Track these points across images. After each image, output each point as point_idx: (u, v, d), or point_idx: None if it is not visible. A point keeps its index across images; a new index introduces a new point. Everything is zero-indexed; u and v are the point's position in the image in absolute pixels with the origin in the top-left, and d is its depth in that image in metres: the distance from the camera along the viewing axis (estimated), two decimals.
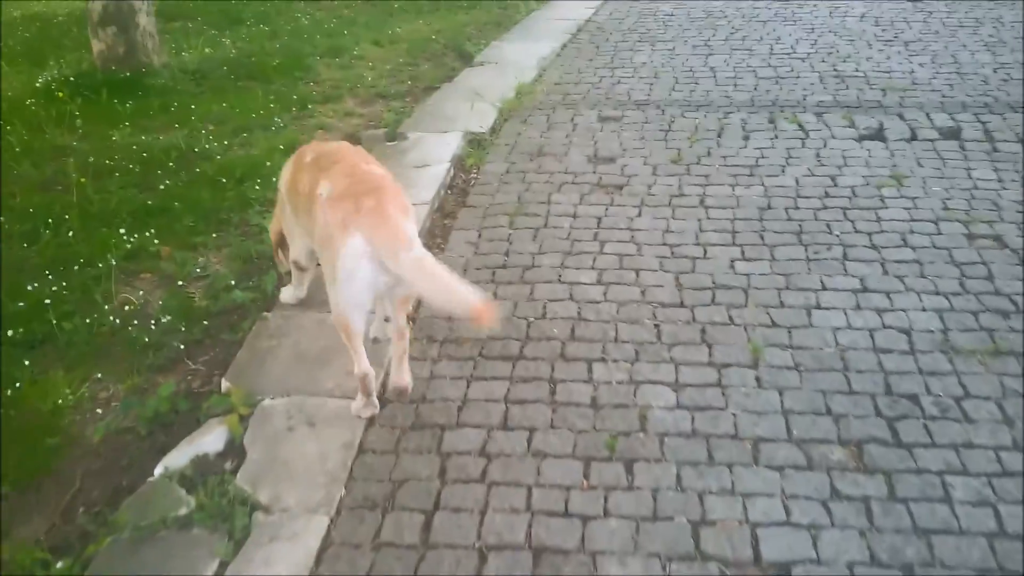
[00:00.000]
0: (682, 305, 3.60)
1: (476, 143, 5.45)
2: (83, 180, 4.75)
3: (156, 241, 4.20)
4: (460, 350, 3.36)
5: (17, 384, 3.19)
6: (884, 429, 2.87)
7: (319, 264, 3.15)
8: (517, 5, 9.39)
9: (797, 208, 4.39)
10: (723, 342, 3.35)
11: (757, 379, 3.13)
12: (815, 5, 8.58)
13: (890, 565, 2.38)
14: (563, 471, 2.73)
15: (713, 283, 3.75)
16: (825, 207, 4.38)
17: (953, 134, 5.22)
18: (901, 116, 5.52)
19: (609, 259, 3.98)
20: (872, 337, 3.34)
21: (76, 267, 3.95)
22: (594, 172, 4.94)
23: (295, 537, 2.49)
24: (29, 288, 3.77)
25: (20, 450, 2.88)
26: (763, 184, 4.67)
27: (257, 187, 4.74)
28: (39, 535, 2.56)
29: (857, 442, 2.82)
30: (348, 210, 2.69)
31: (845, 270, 3.81)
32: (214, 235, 4.32)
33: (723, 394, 3.06)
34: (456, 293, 2.65)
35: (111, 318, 3.59)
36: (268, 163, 4.98)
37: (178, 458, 2.79)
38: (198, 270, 3.99)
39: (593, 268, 3.90)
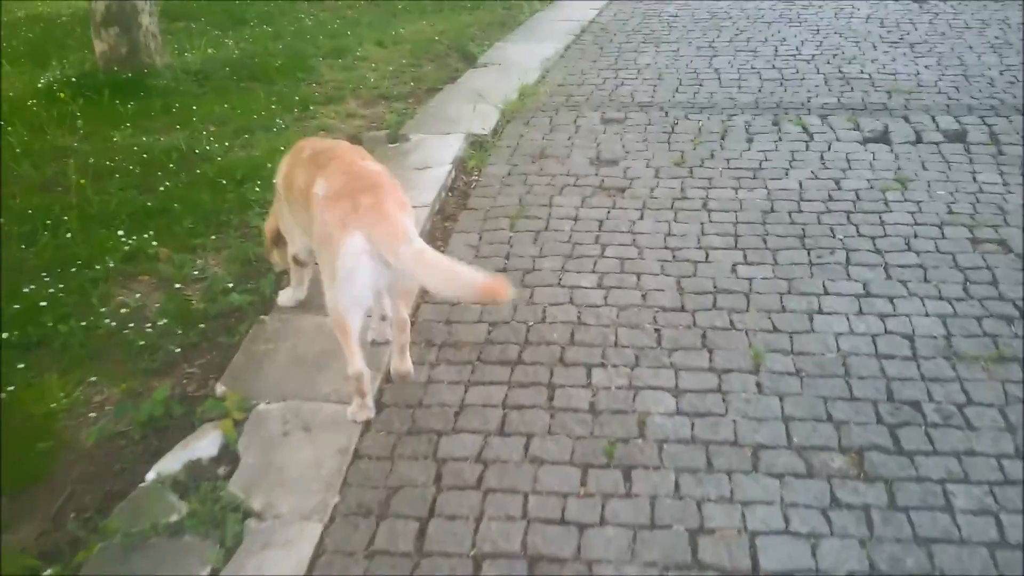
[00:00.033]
0: (683, 309, 3.57)
1: (478, 145, 5.42)
2: (83, 181, 4.73)
3: (155, 243, 4.18)
4: (458, 354, 3.33)
5: (11, 387, 3.17)
6: (885, 436, 2.83)
7: (317, 263, 3.13)
8: (521, 6, 9.36)
9: (800, 212, 4.35)
10: (724, 347, 3.32)
11: (758, 385, 3.10)
12: (820, 6, 8.54)
13: (890, 575, 2.34)
14: (560, 478, 2.70)
15: (715, 287, 3.72)
16: (829, 211, 4.35)
17: (958, 137, 5.17)
18: (906, 119, 5.48)
19: (610, 263, 3.94)
20: (874, 343, 3.31)
21: (74, 269, 3.93)
22: (596, 174, 4.90)
23: (288, 544, 2.46)
24: (26, 290, 3.75)
25: (12, 455, 2.86)
26: (766, 187, 4.64)
27: (257, 189, 4.72)
28: (29, 541, 2.54)
29: (858, 449, 2.78)
30: (346, 208, 2.69)
31: (848, 275, 3.77)
32: (213, 237, 4.31)
33: (723, 400, 3.03)
34: (461, 278, 2.65)
35: (107, 321, 3.57)
36: (269, 165, 4.93)
37: (171, 463, 2.76)
38: (196, 272, 3.97)
39: (594, 272, 3.87)
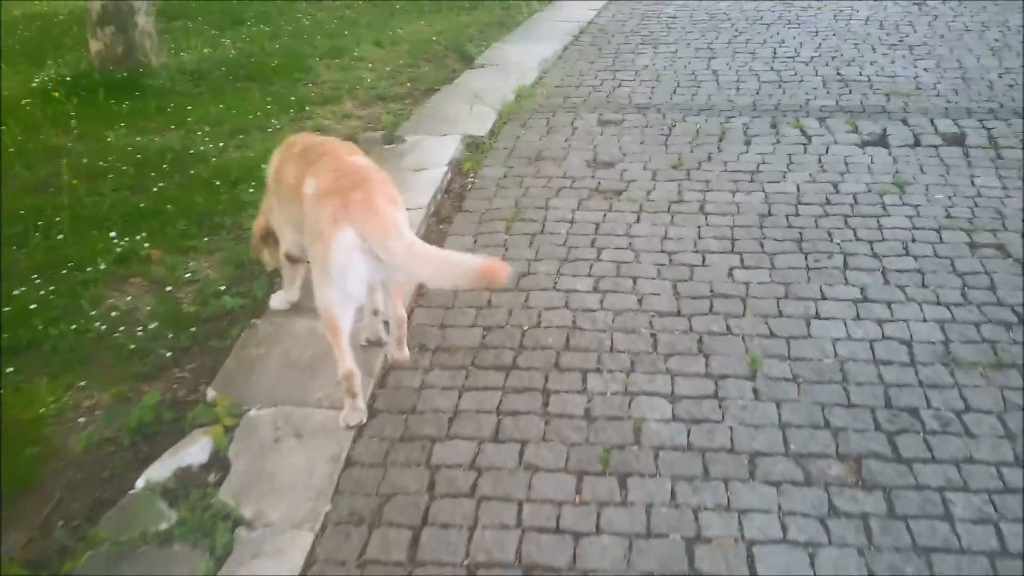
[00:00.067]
0: (679, 314, 3.54)
1: (474, 146, 5.39)
2: (75, 182, 4.70)
3: (147, 245, 4.15)
4: (452, 359, 3.30)
5: (0, 392, 3.13)
6: (884, 443, 2.80)
7: (310, 261, 3.10)
8: (519, 6, 9.32)
9: (798, 215, 4.32)
10: (720, 352, 3.29)
11: (754, 391, 3.07)
12: (819, 8, 8.50)
13: None
14: (555, 485, 2.67)
15: (711, 291, 3.69)
16: (826, 214, 4.31)
17: (957, 140, 5.15)
18: (905, 121, 5.45)
19: (606, 266, 3.91)
20: (872, 348, 3.28)
21: (65, 271, 3.91)
22: (593, 177, 4.87)
23: (278, 554, 2.42)
24: (16, 292, 3.72)
25: (0, 461, 2.82)
26: (764, 190, 4.60)
27: (251, 190, 4.68)
28: (16, 550, 2.51)
29: (856, 457, 2.75)
30: (336, 205, 2.69)
31: (845, 279, 3.74)
32: (206, 239, 4.28)
33: (720, 406, 3.00)
34: (456, 265, 2.65)
35: (98, 324, 3.54)
36: (264, 166, 4.84)
37: (160, 470, 2.73)
38: (188, 275, 3.94)
39: (590, 275, 3.84)
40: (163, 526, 2.51)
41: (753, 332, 3.40)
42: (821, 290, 3.66)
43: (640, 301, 3.63)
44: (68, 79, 6.59)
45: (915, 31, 7.52)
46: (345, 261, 2.67)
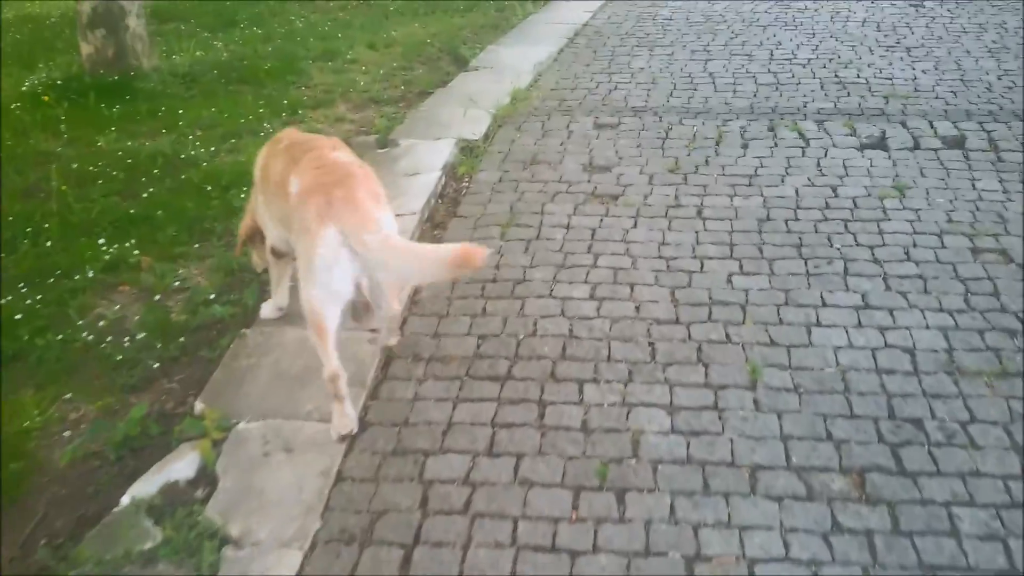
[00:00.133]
0: (678, 322, 3.47)
1: (469, 150, 5.32)
2: (64, 188, 4.63)
3: (136, 252, 4.08)
4: (446, 369, 3.23)
5: None
6: (887, 456, 2.74)
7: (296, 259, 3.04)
8: (514, 8, 9.25)
9: (797, 220, 4.26)
10: (720, 362, 3.22)
11: (755, 402, 3.01)
12: (816, 9, 8.44)
13: None
14: (551, 501, 2.60)
15: (710, 299, 3.62)
16: (826, 219, 4.25)
17: (957, 143, 5.09)
18: (904, 124, 5.39)
19: (603, 273, 3.85)
20: (874, 357, 3.21)
21: (52, 279, 3.84)
22: (589, 181, 4.80)
23: (266, 574, 2.35)
24: (2, 302, 3.64)
25: None
26: (762, 194, 4.54)
27: (243, 196, 4.59)
28: None
29: (859, 470, 2.69)
30: (320, 203, 2.69)
31: (846, 285, 3.68)
32: (196, 245, 4.21)
33: (719, 418, 2.93)
34: (430, 254, 2.70)
35: (85, 334, 3.47)
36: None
37: (146, 486, 2.66)
38: (178, 283, 3.87)
39: (586, 282, 3.77)
40: (148, 545, 2.44)
41: (753, 340, 3.34)
42: (822, 297, 3.60)
43: (638, 309, 3.57)
44: (58, 82, 6.52)
45: (912, 33, 7.46)
46: (331, 258, 2.66)
